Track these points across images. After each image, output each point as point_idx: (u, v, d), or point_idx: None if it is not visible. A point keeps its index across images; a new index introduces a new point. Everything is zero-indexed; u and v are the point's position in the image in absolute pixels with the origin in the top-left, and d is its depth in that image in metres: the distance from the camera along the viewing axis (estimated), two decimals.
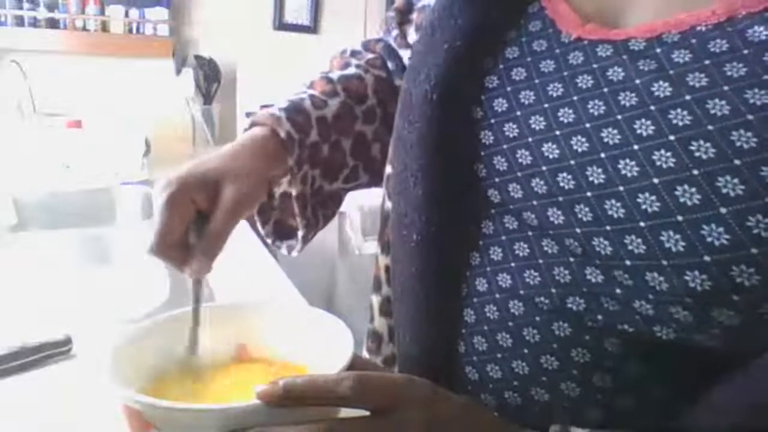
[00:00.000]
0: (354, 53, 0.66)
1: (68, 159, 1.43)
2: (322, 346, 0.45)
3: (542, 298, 0.40)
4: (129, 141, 1.47)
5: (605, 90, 0.39)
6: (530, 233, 0.42)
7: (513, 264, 0.42)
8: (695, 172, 0.33)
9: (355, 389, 0.35)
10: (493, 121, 0.43)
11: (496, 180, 0.43)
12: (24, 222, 1.27)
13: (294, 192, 0.57)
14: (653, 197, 0.34)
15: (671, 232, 0.34)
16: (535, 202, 0.41)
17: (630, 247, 0.35)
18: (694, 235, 0.33)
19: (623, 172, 0.36)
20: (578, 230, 0.38)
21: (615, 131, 0.37)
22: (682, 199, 0.34)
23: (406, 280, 0.46)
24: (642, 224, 0.35)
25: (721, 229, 0.32)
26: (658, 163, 0.35)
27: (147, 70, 1.95)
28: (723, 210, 0.32)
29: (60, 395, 0.60)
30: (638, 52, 0.39)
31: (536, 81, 0.42)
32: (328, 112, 0.57)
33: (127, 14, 1.88)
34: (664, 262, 0.34)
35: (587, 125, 0.38)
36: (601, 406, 0.40)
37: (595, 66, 0.40)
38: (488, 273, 0.43)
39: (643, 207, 0.35)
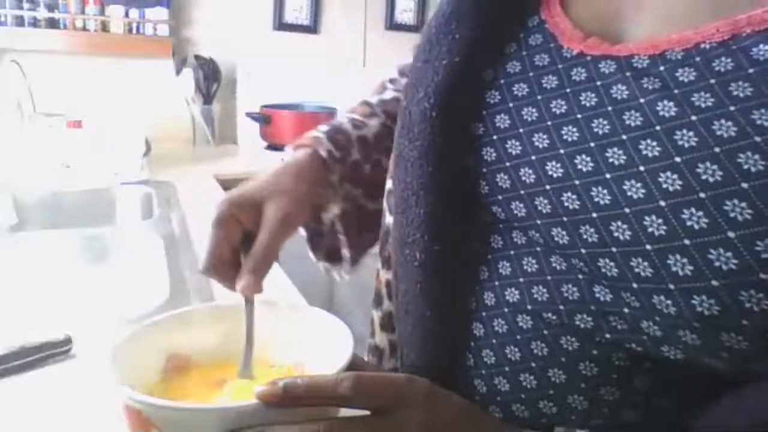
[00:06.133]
0: (391, 80, 0.69)
1: (68, 159, 1.43)
2: (322, 346, 0.45)
3: (550, 314, 0.40)
4: (129, 141, 1.47)
5: (609, 109, 0.38)
6: (538, 249, 0.41)
7: (521, 279, 0.42)
8: (702, 195, 0.33)
9: (355, 389, 0.35)
10: (495, 137, 0.43)
11: (500, 197, 0.42)
12: (24, 222, 1.27)
13: (337, 211, 0.59)
14: (660, 220, 0.34)
15: (678, 256, 0.33)
16: (539, 221, 0.40)
17: (636, 270, 0.35)
18: (702, 259, 0.32)
19: (629, 193, 0.35)
20: (583, 251, 0.37)
21: (620, 151, 0.36)
22: (689, 223, 0.33)
23: (411, 299, 0.46)
24: (648, 247, 0.34)
25: (729, 254, 0.32)
26: (664, 186, 0.34)
27: (147, 70, 1.95)
28: (731, 234, 0.32)
29: (60, 395, 0.60)
30: (642, 70, 0.38)
31: (539, 97, 0.42)
32: (368, 132, 0.60)
33: (127, 14, 1.88)
34: (671, 286, 0.33)
35: (591, 144, 0.38)
36: (608, 418, 0.40)
37: (598, 83, 0.39)
38: (496, 287, 0.43)
39: (650, 230, 0.34)
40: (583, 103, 0.39)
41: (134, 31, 1.89)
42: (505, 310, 0.42)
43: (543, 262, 0.41)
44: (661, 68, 0.37)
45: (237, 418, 0.35)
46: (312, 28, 2.19)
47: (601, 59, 0.40)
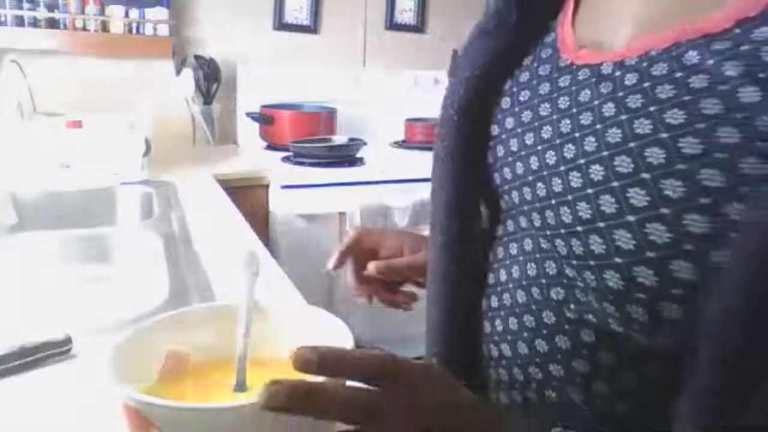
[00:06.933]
0: None
1: (68, 159, 1.43)
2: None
3: (535, 288, 0.46)
4: (129, 141, 1.47)
5: (574, 110, 0.44)
6: (533, 231, 0.47)
7: (521, 258, 0.48)
8: (645, 175, 0.37)
9: (389, 366, 0.36)
10: (504, 137, 0.50)
11: (506, 187, 0.50)
12: (24, 222, 1.27)
13: None
14: (613, 199, 0.38)
15: (624, 231, 0.38)
16: (525, 207, 0.47)
17: (592, 247, 0.40)
18: (641, 234, 0.37)
19: (572, 183, 0.42)
20: (548, 232, 0.44)
21: (573, 147, 0.42)
22: (632, 201, 0.37)
23: (436, 275, 0.55)
24: (601, 224, 0.39)
25: (663, 228, 0.36)
26: (593, 176, 0.40)
27: (147, 70, 1.95)
28: (665, 210, 0.36)
29: (60, 395, 0.61)
30: (605, 76, 0.43)
31: (534, 101, 0.48)
32: None
33: (127, 14, 1.88)
34: (618, 260, 0.38)
35: (557, 141, 0.44)
36: (581, 387, 0.43)
37: (573, 88, 0.45)
38: (507, 265, 0.49)
39: (602, 208, 0.39)
40: (559, 106, 0.45)
41: (134, 31, 1.90)
42: (510, 285, 0.48)
43: (535, 243, 0.47)
44: (617, 74, 0.42)
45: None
46: (312, 28, 2.19)
47: (582, 68, 0.45)
